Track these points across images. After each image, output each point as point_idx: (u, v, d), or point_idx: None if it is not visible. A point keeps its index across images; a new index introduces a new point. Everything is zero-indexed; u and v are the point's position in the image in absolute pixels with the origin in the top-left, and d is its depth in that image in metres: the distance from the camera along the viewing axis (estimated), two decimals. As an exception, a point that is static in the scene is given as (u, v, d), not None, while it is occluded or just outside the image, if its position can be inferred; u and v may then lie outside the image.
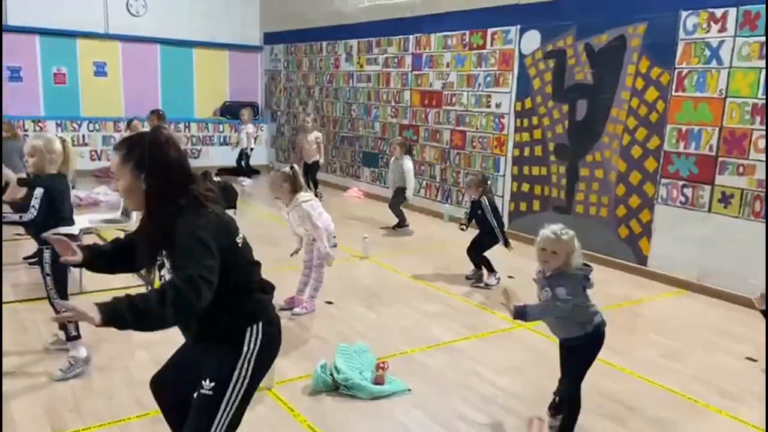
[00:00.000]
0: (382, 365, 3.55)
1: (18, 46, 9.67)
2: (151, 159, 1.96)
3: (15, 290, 4.78)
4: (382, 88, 8.97)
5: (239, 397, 2.03)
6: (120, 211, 5.25)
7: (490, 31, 7.21)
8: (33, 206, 3.40)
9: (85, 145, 10.27)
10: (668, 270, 5.59)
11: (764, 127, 4.85)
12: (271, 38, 11.67)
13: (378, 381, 3.45)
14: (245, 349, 2.03)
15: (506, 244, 5.44)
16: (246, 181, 10.15)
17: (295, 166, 4.61)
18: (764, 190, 4.88)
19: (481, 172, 6.88)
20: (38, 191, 3.42)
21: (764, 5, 4.82)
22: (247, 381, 2.04)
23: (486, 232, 5.52)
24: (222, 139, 11.74)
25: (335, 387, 3.42)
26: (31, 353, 3.77)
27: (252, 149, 10.53)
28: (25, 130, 9.39)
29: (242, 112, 10.41)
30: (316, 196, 8.78)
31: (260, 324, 2.07)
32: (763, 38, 4.83)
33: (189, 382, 2.08)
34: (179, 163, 2.01)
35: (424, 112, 8.23)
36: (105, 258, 2.21)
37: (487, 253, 5.54)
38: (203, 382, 2.01)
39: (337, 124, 9.96)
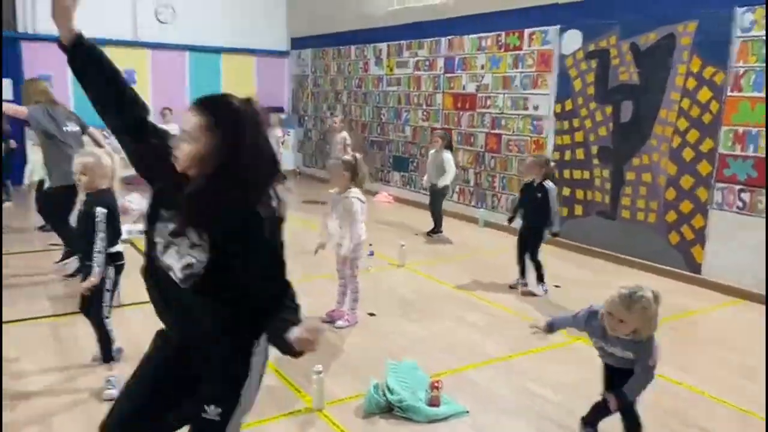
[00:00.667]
0: (436, 384, 3.37)
1: (49, 55, 9.60)
2: (246, 134, 1.67)
3: (53, 304, 4.68)
4: (412, 92, 8.80)
5: (242, 417, 1.88)
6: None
7: (527, 31, 7.00)
8: (100, 230, 3.34)
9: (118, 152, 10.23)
10: (724, 278, 5.33)
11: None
12: (298, 43, 11.58)
13: (433, 402, 3.28)
14: (251, 369, 1.84)
15: (556, 233, 5.14)
16: None
17: (359, 155, 4.45)
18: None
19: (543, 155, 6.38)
20: (100, 212, 3.37)
21: (764, 5, 4.58)
22: (250, 401, 1.88)
23: (534, 227, 5.17)
24: (249, 145, 11.65)
25: (389, 408, 3.25)
26: (72, 369, 3.65)
27: (281, 154, 10.42)
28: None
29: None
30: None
31: (260, 340, 1.87)
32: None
33: (179, 409, 1.86)
34: (271, 148, 1.76)
35: (457, 115, 8.05)
36: (98, 64, 1.82)
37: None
38: (207, 408, 1.79)
39: (366, 128, 9.81)
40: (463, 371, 3.84)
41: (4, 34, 9.37)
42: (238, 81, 11.43)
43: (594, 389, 2.94)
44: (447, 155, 6.99)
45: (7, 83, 9.47)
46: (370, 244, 5.81)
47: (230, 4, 11.05)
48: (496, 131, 7.52)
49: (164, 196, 1.77)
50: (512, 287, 5.37)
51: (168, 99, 10.60)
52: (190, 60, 10.97)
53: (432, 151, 7.21)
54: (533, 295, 5.24)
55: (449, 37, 8.08)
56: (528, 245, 5.25)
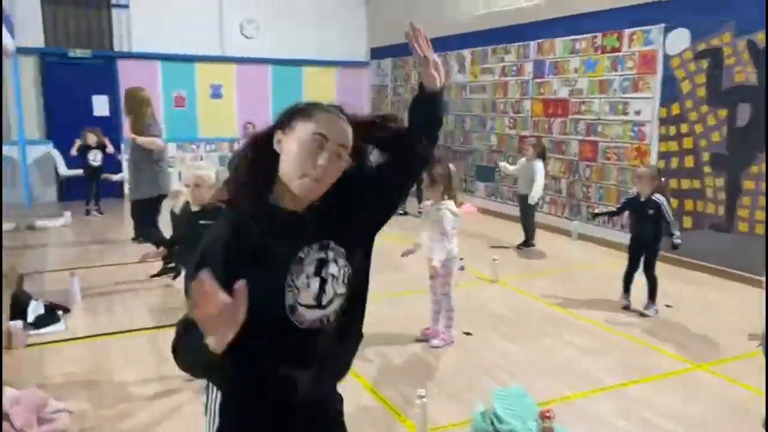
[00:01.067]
0: (547, 414, 3.08)
1: (142, 72, 10.05)
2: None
3: (152, 315, 4.73)
4: (498, 99, 8.51)
5: None
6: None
7: (627, 31, 6.58)
8: None
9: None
10: None
11: None
12: (378, 53, 11.53)
13: (547, 434, 3.00)
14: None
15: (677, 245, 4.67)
16: None
17: (452, 166, 4.29)
18: None
19: (654, 165, 5.86)
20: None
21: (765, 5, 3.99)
22: None
23: (647, 242, 4.79)
24: (330, 156, 11.69)
25: (498, 440, 3.00)
26: (172, 380, 3.63)
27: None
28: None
29: None
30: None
31: None
32: None
33: None
34: None
35: (548, 122, 7.69)
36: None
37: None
38: None
39: (449, 137, 9.58)
40: (573, 399, 3.53)
41: (103, 53, 9.83)
42: (319, 93, 11.50)
43: (724, 426, 2.57)
44: (539, 165, 6.64)
45: (103, 99, 9.92)
46: (461, 259, 5.57)
47: (311, 17, 11.14)
48: (592, 138, 7.11)
49: (293, 229, 1.39)
50: (626, 308, 4.97)
51: (251, 112, 10.79)
52: (273, 73, 11.13)
53: (522, 160, 6.89)
54: (642, 315, 4.83)
55: (539, 41, 7.74)
56: (642, 260, 4.87)
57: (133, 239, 6.99)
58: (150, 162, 5.84)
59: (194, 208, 3.57)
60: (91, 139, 8.46)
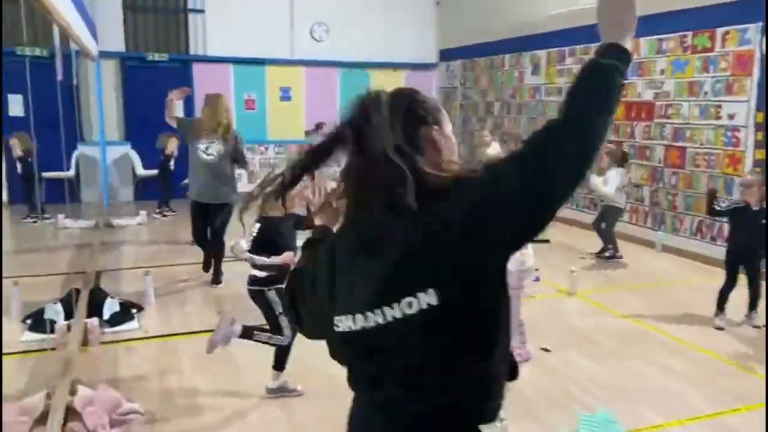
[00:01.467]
0: (640, 445, 2.83)
1: (215, 75, 10.27)
2: None
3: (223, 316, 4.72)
4: (576, 102, 8.12)
5: None
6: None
7: (719, 30, 6.13)
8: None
9: (274, 167, 10.61)
10: None
11: None
12: (447, 55, 11.33)
13: (641, 468, 2.74)
14: None
15: None
16: None
17: None
18: None
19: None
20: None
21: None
22: None
23: (754, 255, 4.45)
24: (397, 160, 11.58)
25: (586, 470, 2.76)
26: (240, 385, 3.57)
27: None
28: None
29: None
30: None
31: None
32: None
33: None
34: None
35: (630, 126, 7.27)
36: None
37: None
38: None
39: (520, 141, 9.26)
40: (665, 427, 3.23)
41: (179, 57, 10.09)
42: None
43: None
44: (611, 172, 6.28)
45: (178, 102, 10.14)
46: (536, 269, 5.30)
47: (380, 19, 11.06)
48: (679, 144, 6.66)
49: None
50: (719, 329, 4.58)
51: (320, 114, 10.80)
52: (341, 76, 11.13)
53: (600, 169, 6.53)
54: (755, 326, 4.44)
55: (621, 41, 7.33)
56: (746, 269, 4.49)
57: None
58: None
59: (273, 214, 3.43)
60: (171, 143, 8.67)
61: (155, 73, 9.93)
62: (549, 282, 5.58)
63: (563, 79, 8.36)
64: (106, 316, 4.55)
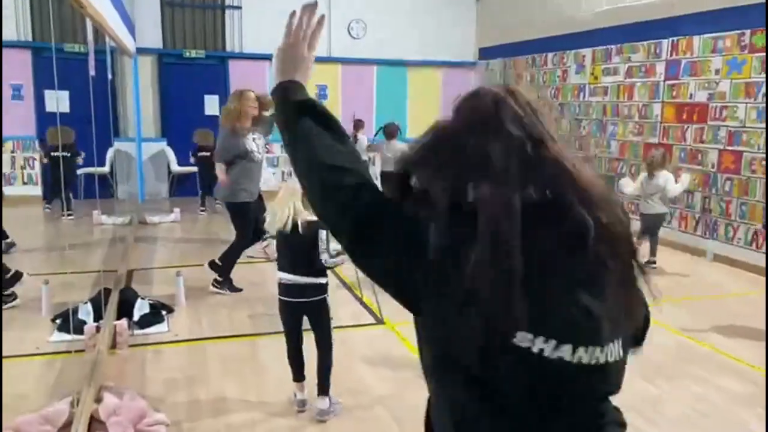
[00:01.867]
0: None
1: (251, 72, 10.18)
2: None
3: (253, 321, 4.58)
4: (622, 102, 7.79)
5: None
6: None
7: (783, 27, 5.74)
8: (323, 240, 3.14)
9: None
10: None
11: None
12: (487, 53, 11.04)
13: None
14: None
15: None
16: None
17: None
18: None
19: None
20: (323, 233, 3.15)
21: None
22: None
23: None
24: (432, 160, 11.35)
25: None
26: (269, 395, 3.41)
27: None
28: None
29: None
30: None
31: None
32: None
33: None
34: None
35: (681, 128, 6.91)
36: None
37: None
38: None
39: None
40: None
41: (215, 54, 10.05)
42: (423, 94, 11.19)
43: None
44: (666, 174, 5.97)
45: (214, 99, 10.14)
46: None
47: (418, 16, 10.84)
48: (735, 148, 6.29)
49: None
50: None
51: (357, 112, 10.66)
52: (378, 74, 10.95)
53: (644, 175, 6.20)
54: None
55: (674, 38, 6.98)
56: None
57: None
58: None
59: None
60: (201, 140, 8.61)
61: (191, 69, 9.92)
62: None
63: (609, 78, 8.02)
64: (136, 317, 4.46)
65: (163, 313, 4.61)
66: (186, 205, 9.00)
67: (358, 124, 9.38)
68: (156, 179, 9.99)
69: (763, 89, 5.96)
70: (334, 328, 3.33)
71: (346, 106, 10.79)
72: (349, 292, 5.24)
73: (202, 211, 8.68)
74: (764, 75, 5.95)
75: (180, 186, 10.01)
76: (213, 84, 10.10)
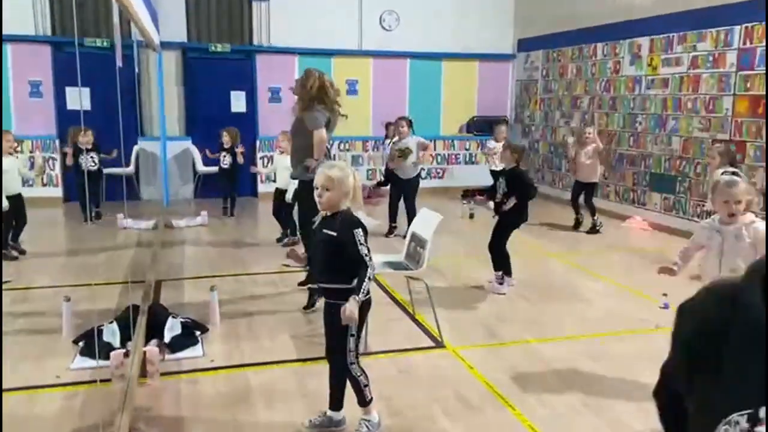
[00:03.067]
0: None
1: (278, 67, 9.71)
2: None
3: (297, 344, 4.05)
4: (685, 95, 7.15)
5: None
6: (404, 254, 4.33)
7: None
8: (365, 255, 2.73)
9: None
10: None
11: None
12: (526, 45, 10.43)
13: None
14: None
15: None
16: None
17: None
18: None
19: None
20: (359, 233, 2.74)
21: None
22: None
23: None
24: (468, 158, 10.78)
25: None
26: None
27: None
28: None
29: (501, 129, 8.96)
30: (594, 227, 7.33)
31: None
32: None
33: None
34: None
35: (756, 124, 6.27)
36: None
37: None
38: None
39: (614, 139, 8.32)
40: None
41: (242, 48, 9.57)
42: (459, 88, 10.62)
43: None
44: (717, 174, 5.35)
45: (241, 95, 9.66)
46: (665, 294, 4.46)
47: (453, 6, 10.26)
48: (825, 145, 5.65)
49: None
50: None
51: (387, 109, 10.12)
52: (411, 67, 10.40)
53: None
54: None
55: (747, 25, 6.33)
56: None
57: (279, 240, 6.59)
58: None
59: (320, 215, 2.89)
60: (225, 138, 8.12)
61: (217, 64, 9.46)
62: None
63: (669, 70, 7.38)
64: (167, 338, 3.97)
65: (197, 333, 4.12)
66: (212, 207, 8.55)
67: (390, 129, 8.64)
68: (181, 180, 9.55)
69: None
70: (388, 352, 2.85)
71: (377, 101, 10.27)
72: (402, 310, 4.70)
73: (226, 214, 8.19)
74: None
75: (205, 187, 9.56)
76: (239, 79, 9.63)
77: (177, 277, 5.49)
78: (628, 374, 3.61)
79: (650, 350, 3.98)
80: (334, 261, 2.78)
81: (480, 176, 10.46)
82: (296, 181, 5.11)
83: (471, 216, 8.27)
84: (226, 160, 8.11)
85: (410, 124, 7.34)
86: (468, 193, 10.05)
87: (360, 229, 2.72)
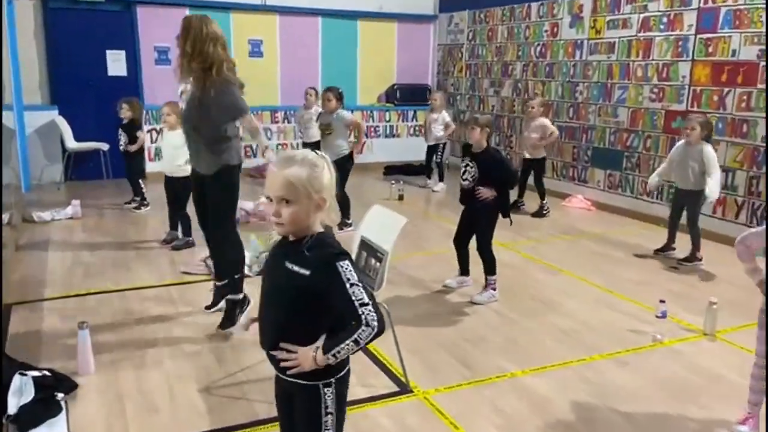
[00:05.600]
0: None
1: (165, 22, 8.14)
2: None
3: (209, 402, 2.90)
4: (636, 61, 6.50)
5: None
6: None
7: None
8: (361, 301, 1.61)
9: (241, 139, 8.58)
10: None
11: None
12: (449, 5, 9.49)
13: None
14: None
15: None
16: (438, 186, 8.00)
17: None
18: None
19: None
20: (345, 267, 1.66)
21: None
22: None
23: None
24: (389, 130, 9.78)
25: None
26: None
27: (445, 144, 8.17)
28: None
29: (434, 97, 8.02)
30: (541, 209, 6.62)
31: None
32: None
33: None
34: None
35: (719, 93, 5.70)
36: None
37: None
38: None
39: (551, 110, 7.61)
40: None
41: (118, -3, 7.89)
42: (376, 52, 9.52)
43: None
44: (709, 150, 4.78)
45: (119, 56, 8.01)
46: (662, 301, 3.72)
47: (369, -41, 9.11)
48: (797, 117, 5.15)
49: None
50: None
51: (298, 71, 8.87)
52: (323, 27, 9.15)
53: (681, 143, 5.00)
54: None
55: (708, -18, 5.72)
56: None
57: (166, 241, 5.28)
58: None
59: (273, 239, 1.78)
60: (125, 113, 6.31)
61: (88, 18, 7.74)
62: (676, 319, 3.99)
63: (615, 33, 6.70)
64: (11, 409, 2.70)
65: (59, 396, 2.85)
66: (88, 193, 7.02)
67: (310, 93, 7.38)
68: (46, 160, 7.83)
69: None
70: None
71: (285, 66, 8.96)
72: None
73: (130, 206, 6.55)
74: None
75: (78, 168, 7.91)
76: (117, 36, 7.97)
77: (35, 299, 4.08)
78: (640, 407, 2.84)
79: (660, 374, 3.24)
80: (302, 318, 1.63)
81: (403, 151, 9.53)
82: (188, 167, 3.90)
83: (400, 198, 7.29)
84: (123, 141, 6.43)
85: (340, 97, 6.03)
86: (391, 170, 9.11)
87: (347, 261, 1.59)
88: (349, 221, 5.65)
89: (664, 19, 6.15)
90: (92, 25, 7.77)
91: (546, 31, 7.69)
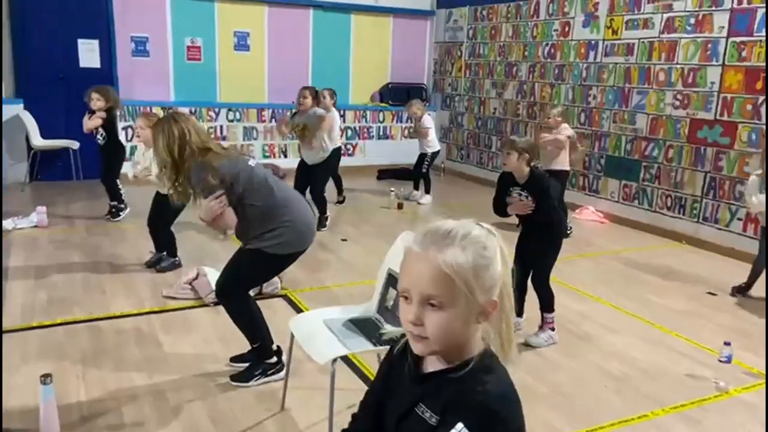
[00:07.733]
0: None
1: (146, 11, 7.50)
2: None
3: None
4: (657, 64, 6.06)
5: None
6: (375, 304, 2.70)
7: None
8: None
9: (224, 139, 7.98)
10: None
11: None
12: (447, 0, 8.98)
13: None
14: None
15: None
16: (425, 198, 7.14)
17: None
18: None
19: None
20: None
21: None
22: None
23: None
24: (382, 131, 9.23)
25: None
26: None
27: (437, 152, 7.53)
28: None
29: (411, 102, 7.35)
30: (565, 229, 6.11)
31: None
32: None
33: None
34: None
35: (752, 102, 5.28)
36: None
37: None
38: None
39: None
40: None
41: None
42: (371, 49, 8.97)
43: None
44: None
45: (93, 45, 7.31)
46: (727, 343, 3.25)
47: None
48: None
49: None
50: None
51: (287, 69, 8.27)
52: (314, 19, 8.56)
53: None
54: None
55: (743, -19, 5.29)
56: None
57: (150, 264, 4.63)
58: None
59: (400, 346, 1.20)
60: (96, 103, 5.49)
61: (59, 3, 7.02)
62: (689, 341, 3.53)
63: (635, 34, 6.25)
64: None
65: (14, 477, 2.25)
66: (56, 196, 6.35)
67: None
68: (9, 158, 7.10)
69: None
70: None
71: (273, 59, 8.36)
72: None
73: (109, 217, 5.79)
74: None
75: (45, 168, 7.21)
76: (90, 24, 7.26)
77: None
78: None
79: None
80: None
81: (397, 153, 8.99)
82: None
83: (400, 206, 6.75)
84: (101, 134, 5.68)
85: (316, 95, 5.90)
86: (384, 174, 8.57)
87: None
88: (326, 221, 5.73)
89: (692, 20, 5.71)
90: (63, 12, 7.05)
91: (556, 30, 7.21)
